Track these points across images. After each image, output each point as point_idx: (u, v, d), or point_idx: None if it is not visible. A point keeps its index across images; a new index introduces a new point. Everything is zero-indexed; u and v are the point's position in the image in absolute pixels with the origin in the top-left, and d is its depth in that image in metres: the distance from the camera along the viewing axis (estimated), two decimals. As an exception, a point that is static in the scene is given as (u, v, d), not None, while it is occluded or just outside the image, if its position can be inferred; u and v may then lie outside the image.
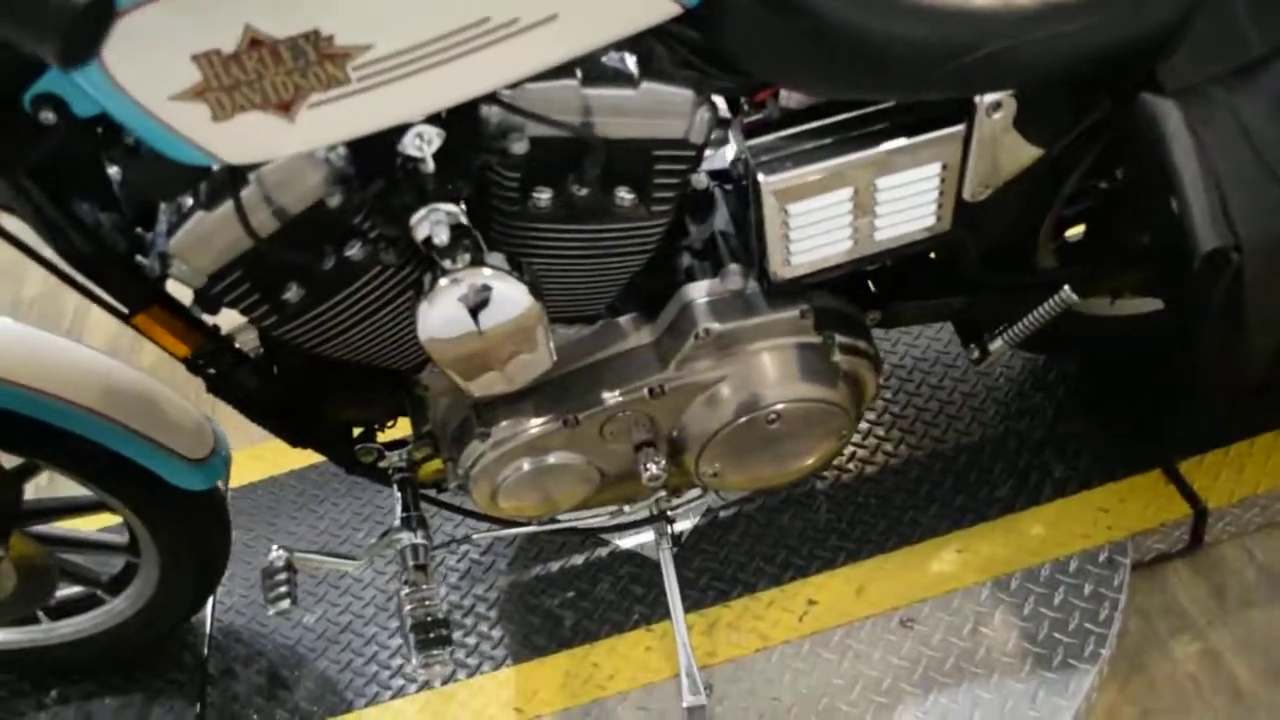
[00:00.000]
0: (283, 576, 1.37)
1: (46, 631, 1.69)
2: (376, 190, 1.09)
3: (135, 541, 1.56)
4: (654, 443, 1.34)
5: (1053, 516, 1.60)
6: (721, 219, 1.34)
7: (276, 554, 1.38)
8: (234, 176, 1.06)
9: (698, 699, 1.46)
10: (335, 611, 1.72)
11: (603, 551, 1.69)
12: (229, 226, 1.10)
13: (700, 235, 1.33)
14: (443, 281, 1.10)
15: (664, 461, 1.33)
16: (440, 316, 1.12)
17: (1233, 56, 1.13)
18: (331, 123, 0.97)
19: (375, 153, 1.07)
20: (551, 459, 1.33)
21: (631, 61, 1.09)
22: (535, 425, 1.30)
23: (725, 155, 1.31)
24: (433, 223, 1.09)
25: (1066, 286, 1.33)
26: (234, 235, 1.11)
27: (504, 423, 1.31)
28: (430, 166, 1.06)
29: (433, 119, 1.04)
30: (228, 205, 1.07)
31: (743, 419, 1.30)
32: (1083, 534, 1.56)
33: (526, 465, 1.33)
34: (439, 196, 1.09)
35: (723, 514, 1.68)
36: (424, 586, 1.37)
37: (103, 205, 1.14)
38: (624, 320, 1.32)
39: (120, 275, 1.16)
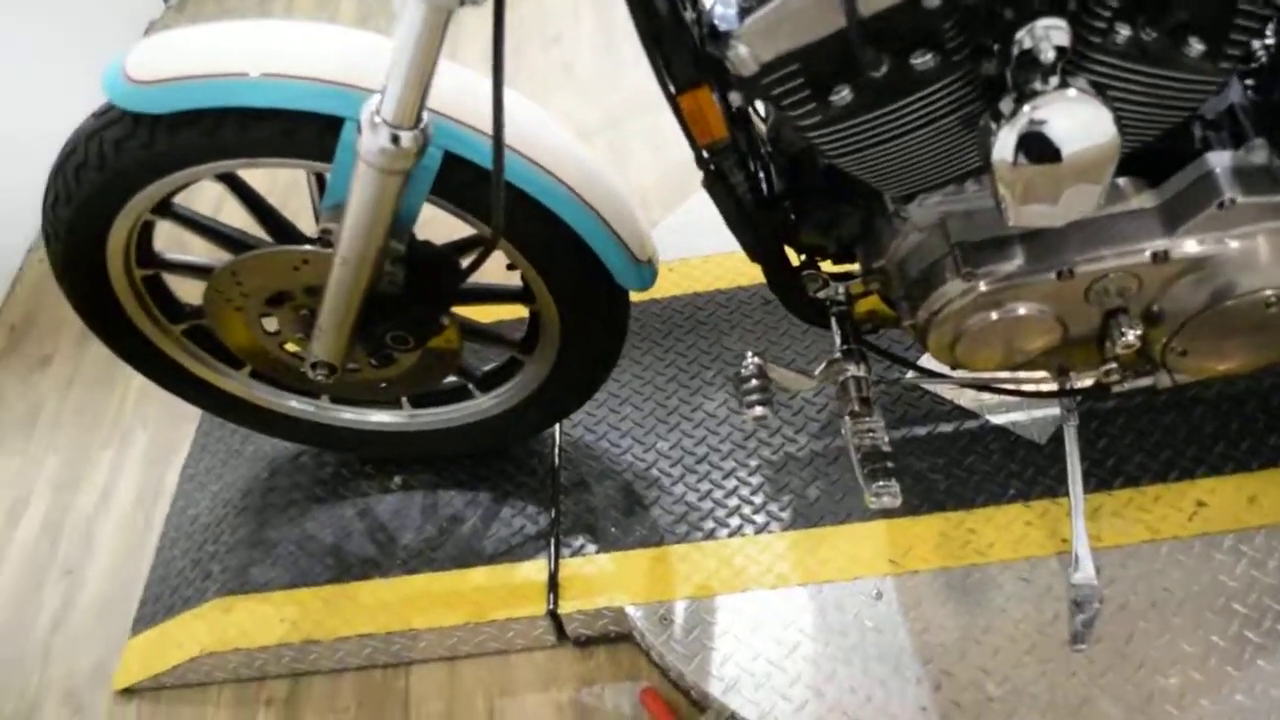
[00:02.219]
0: (756, 383, 1.36)
1: (410, 417, 1.71)
2: (984, -4, 1.05)
3: (532, 338, 1.56)
4: (1128, 310, 1.31)
5: None
6: (1236, 92, 1.29)
7: (750, 360, 1.37)
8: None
9: (1089, 577, 1.45)
10: (691, 443, 1.72)
11: (972, 423, 1.67)
12: (811, 14, 1.07)
13: (1214, 106, 1.28)
14: (1032, 102, 1.07)
15: (1140, 331, 1.30)
16: (1022, 138, 1.08)
17: None
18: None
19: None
20: (1023, 309, 1.30)
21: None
22: (1028, 272, 1.26)
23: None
24: (1039, 38, 1.05)
25: None
26: (810, 24, 1.08)
27: (991, 266, 1.27)
28: (1053, -21, 1.02)
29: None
30: (825, -9, 1.04)
31: (1239, 299, 1.26)
32: None
33: (996, 314, 1.30)
34: (1052, 12, 1.05)
35: (1100, 405, 1.65)
36: (868, 418, 1.35)
37: None
38: (1125, 180, 1.28)
39: (684, 49, 1.13)
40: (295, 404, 1.72)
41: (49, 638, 1.80)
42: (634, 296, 1.53)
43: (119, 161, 1.33)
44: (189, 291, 1.59)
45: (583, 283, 1.43)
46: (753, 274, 1.39)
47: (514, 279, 1.48)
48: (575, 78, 2.72)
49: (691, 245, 2.02)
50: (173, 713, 1.67)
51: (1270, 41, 1.27)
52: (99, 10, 3.08)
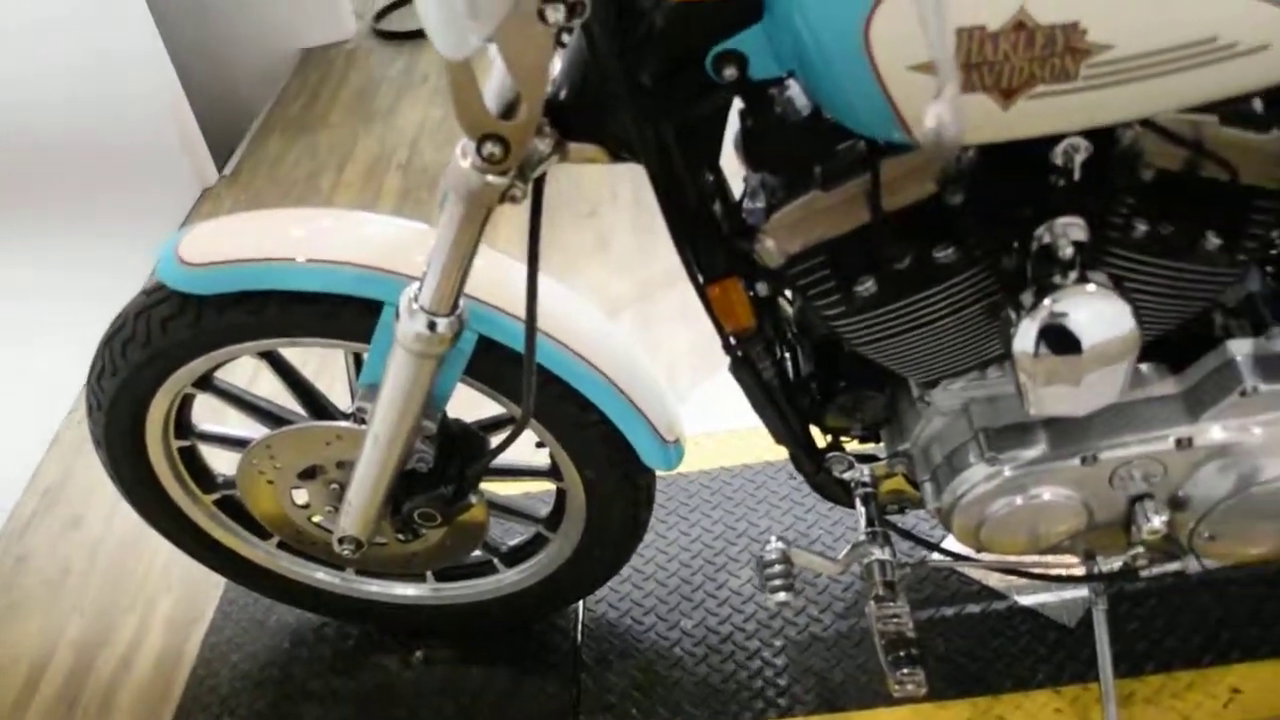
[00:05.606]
0: (780, 568, 1.36)
1: (434, 591, 1.71)
2: (1004, 195, 1.10)
3: (558, 514, 1.57)
4: (1153, 495, 1.31)
5: None
6: (1255, 281, 1.32)
7: (774, 545, 1.38)
8: (871, 159, 1.08)
9: (1124, 770, 1.42)
10: (715, 621, 1.71)
11: (999, 605, 1.66)
12: (837, 210, 1.12)
13: (1235, 294, 1.31)
14: (1052, 296, 1.10)
15: (1166, 517, 1.30)
16: (1042, 331, 1.11)
17: None
18: (1038, 117, 0.97)
19: (1009, 157, 1.08)
20: (1047, 495, 1.30)
21: (1259, 105, 1.09)
22: (1050, 459, 1.27)
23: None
24: (1058, 235, 1.09)
25: None
26: (836, 219, 1.12)
27: (1014, 452, 1.29)
28: (1075, 178, 1.06)
29: (1085, 132, 1.04)
30: (848, 186, 1.09)
31: (1265, 485, 1.26)
32: None
33: (1020, 499, 1.30)
34: (1070, 210, 1.09)
35: (1130, 587, 1.64)
36: (893, 604, 1.34)
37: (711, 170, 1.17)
38: (1148, 367, 1.30)
39: (713, 241, 1.18)
40: (321, 575, 1.73)
41: (61, 810, 1.77)
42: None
43: (165, 339, 1.38)
44: (221, 461, 1.62)
45: (610, 463, 1.44)
46: (780, 450, 1.41)
47: (542, 456, 1.50)
48: (609, 251, 2.80)
49: (720, 419, 2.04)
50: None
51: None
52: (155, 179, 3.21)
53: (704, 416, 2.04)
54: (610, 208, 2.96)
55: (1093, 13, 0.91)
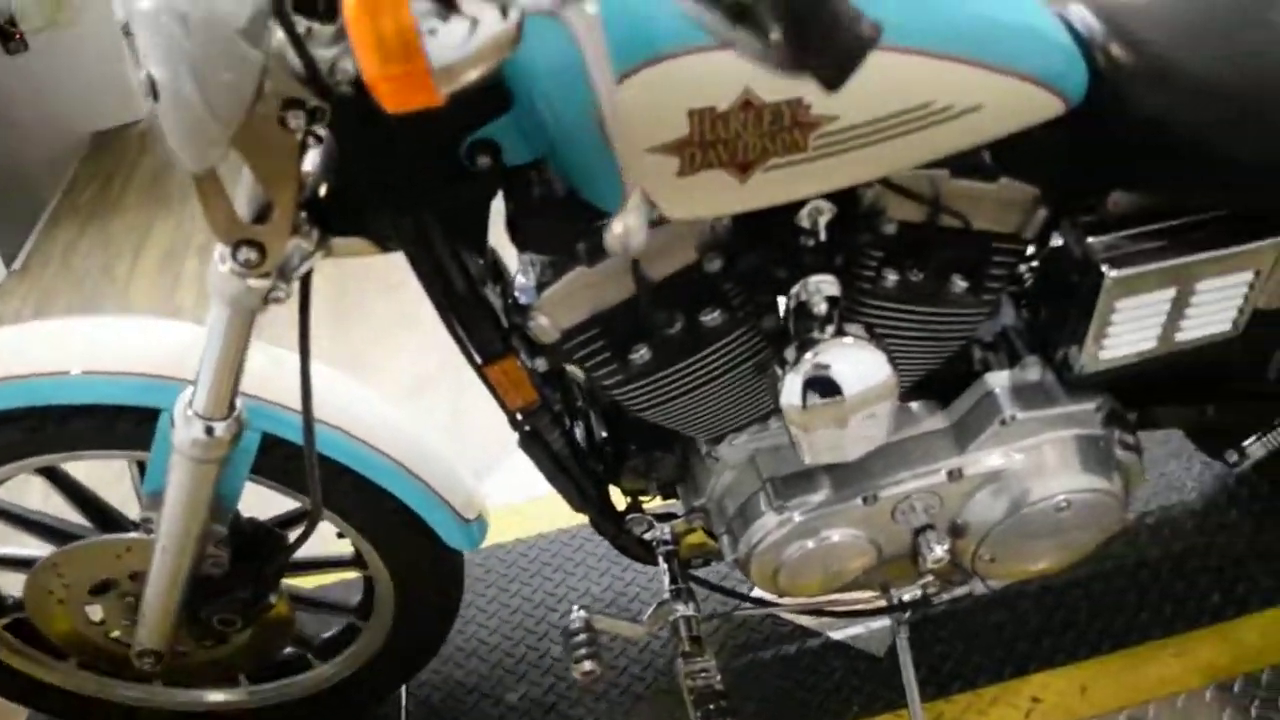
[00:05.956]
0: (584, 637, 1.37)
1: (249, 694, 1.66)
2: (758, 259, 1.14)
3: (368, 602, 1.55)
4: (934, 526, 1.38)
5: (1267, 625, 1.64)
6: (1008, 315, 1.40)
7: (577, 614, 1.38)
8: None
9: (938, 790, 1.47)
10: (539, 691, 1.71)
11: (813, 642, 1.70)
12: (603, 284, 1.14)
13: (990, 329, 1.39)
14: (812, 350, 1.15)
15: (947, 545, 1.37)
16: (806, 384, 1.16)
17: None
18: (776, 187, 1.02)
19: (760, 223, 1.13)
20: (837, 536, 1.35)
21: (987, 156, 1.16)
22: (834, 502, 1.32)
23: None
24: (812, 293, 1.15)
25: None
26: (603, 293, 1.15)
27: (801, 498, 1.33)
28: (820, 239, 1.12)
29: (827, 194, 1.10)
30: (612, 261, 1.12)
31: (1034, 506, 1.34)
32: (1301, 643, 1.61)
33: (812, 543, 1.35)
34: (821, 268, 1.14)
35: (931, 610, 1.70)
36: (700, 658, 1.37)
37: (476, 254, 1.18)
38: (915, 405, 1.37)
39: (484, 324, 1.19)
40: (129, 692, 1.66)
41: None
42: (476, 545, 1.54)
43: (-66, 463, 1.31)
44: (8, 582, 1.55)
45: (412, 546, 1.44)
46: (594, 512, 1.44)
47: (345, 546, 1.48)
48: (418, 322, 2.77)
49: (534, 485, 2.03)
50: None
51: (1034, 265, 1.40)
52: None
53: (521, 484, 2.04)
54: (415, 280, 2.94)
55: (815, 88, 0.96)
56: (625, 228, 0.85)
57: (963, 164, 1.13)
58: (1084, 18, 1.15)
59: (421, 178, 1.06)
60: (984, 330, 1.39)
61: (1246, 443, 1.49)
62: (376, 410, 1.39)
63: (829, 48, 0.71)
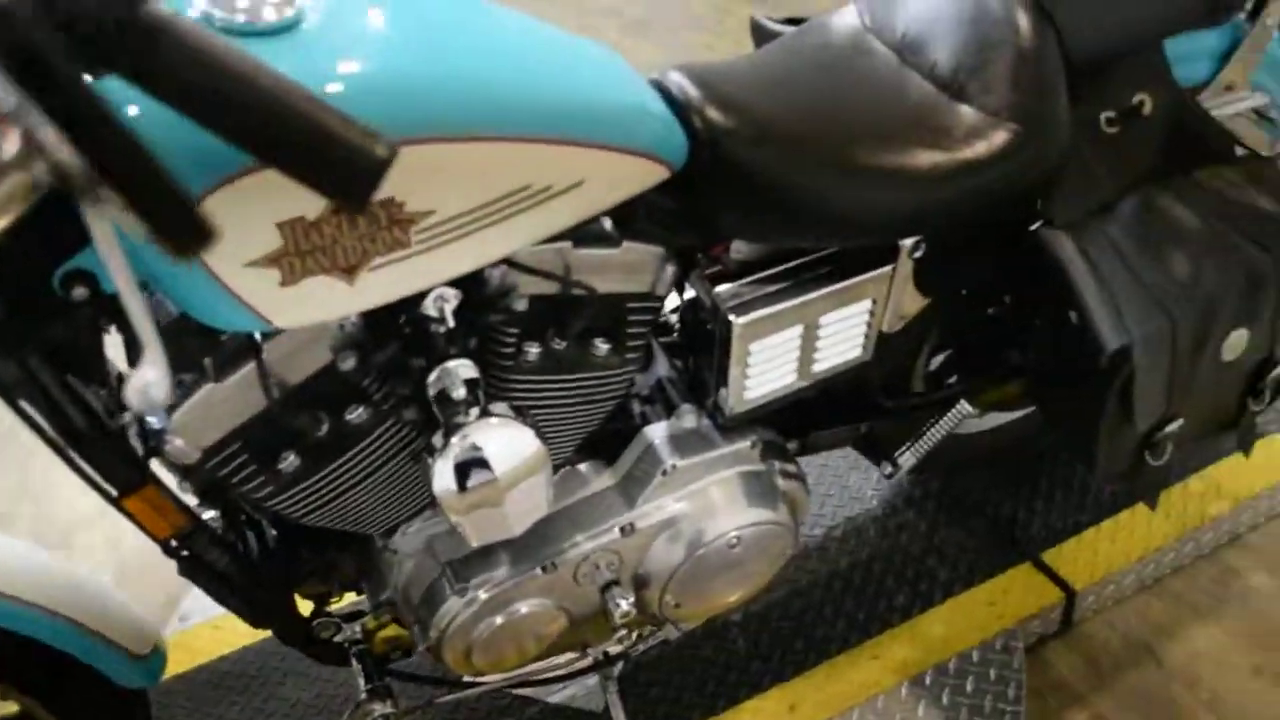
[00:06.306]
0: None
1: None
2: (392, 352, 1.14)
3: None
4: (619, 581, 1.40)
5: (947, 616, 1.76)
6: (662, 366, 1.45)
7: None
8: (253, 344, 1.08)
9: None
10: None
11: (533, 710, 1.70)
12: (236, 398, 1.11)
13: (645, 383, 1.44)
14: (459, 435, 1.15)
15: (632, 598, 1.39)
16: (457, 468, 1.16)
17: (1093, 195, 1.37)
18: (387, 284, 1.02)
19: (388, 316, 1.12)
20: (524, 608, 1.35)
21: (608, 223, 1.20)
22: (515, 575, 1.33)
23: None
24: (449, 379, 1.15)
25: (963, 401, 1.52)
26: (238, 407, 1.11)
27: (482, 576, 1.33)
28: (450, 325, 1.12)
29: (449, 281, 1.10)
30: (241, 374, 1.08)
31: (707, 547, 1.39)
32: (978, 627, 1.73)
33: (500, 618, 1.34)
34: (456, 353, 1.15)
35: (641, 656, 1.73)
36: (404, 755, 1.34)
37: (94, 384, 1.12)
38: (584, 467, 1.39)
39: (115, 456, 1.13)
40: None
41: None
42: (177, 668, 1.46)
43: None
44: None
45: (80, 694, 1.34)
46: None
47: (8, 707, 1.37)
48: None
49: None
50: None
51: (677, 317, 1.46)
52: None
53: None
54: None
55: (405, 187, 0.97)
56: (145, 382, 0.84)
57: (585, 234, 1.16)
58: (681, 84, 1.21)
59: (14, 319, 1.00)
60: (641, 384, 1.44)
61: (898, 453, 1.60)
62: (20, 558, 1.29)
63: (336, 172, 0.73)
